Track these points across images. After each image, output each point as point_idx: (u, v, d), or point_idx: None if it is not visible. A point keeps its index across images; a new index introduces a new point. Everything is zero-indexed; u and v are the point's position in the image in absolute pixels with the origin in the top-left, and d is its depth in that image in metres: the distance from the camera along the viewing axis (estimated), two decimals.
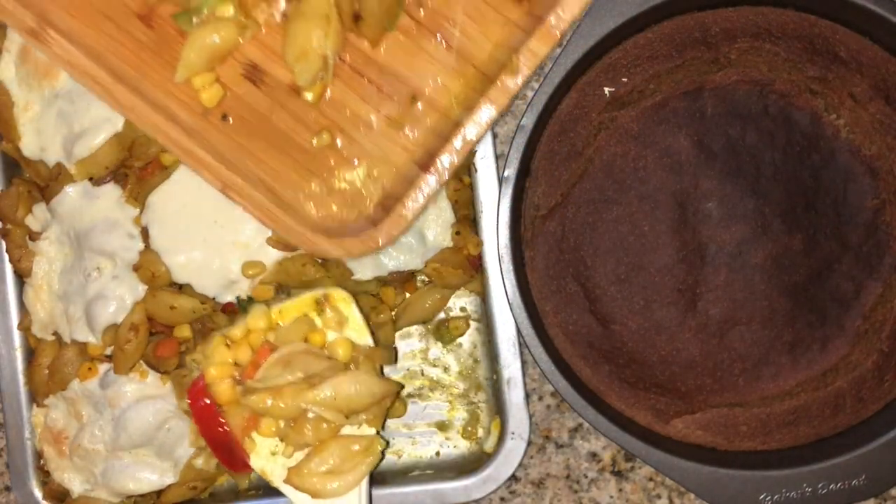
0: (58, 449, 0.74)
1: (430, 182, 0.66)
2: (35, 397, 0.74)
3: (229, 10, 0.66)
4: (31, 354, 0.75)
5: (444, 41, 0.67)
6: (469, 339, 0.77)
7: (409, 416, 0.77)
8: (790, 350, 0.69)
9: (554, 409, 0.75)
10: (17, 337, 0.75)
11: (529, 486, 0.76)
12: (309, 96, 0.68)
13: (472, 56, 0.67)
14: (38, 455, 0.75)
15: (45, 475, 0.75)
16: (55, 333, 0.74)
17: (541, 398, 0.75)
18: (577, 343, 0.70)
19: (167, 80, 0.68)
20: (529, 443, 0.73)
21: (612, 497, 0.75)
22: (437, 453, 0.77)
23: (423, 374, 0.77)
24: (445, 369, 0.77)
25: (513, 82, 0.65)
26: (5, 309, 0.75)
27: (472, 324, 0.77)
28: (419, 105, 0.68)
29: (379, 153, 0.69)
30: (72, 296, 0.72)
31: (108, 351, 0.72)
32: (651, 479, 0.75)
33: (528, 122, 0.67)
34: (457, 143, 0.65)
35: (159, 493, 0.74)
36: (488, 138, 0.71)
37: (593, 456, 0.76)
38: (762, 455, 0.70)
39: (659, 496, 0.75)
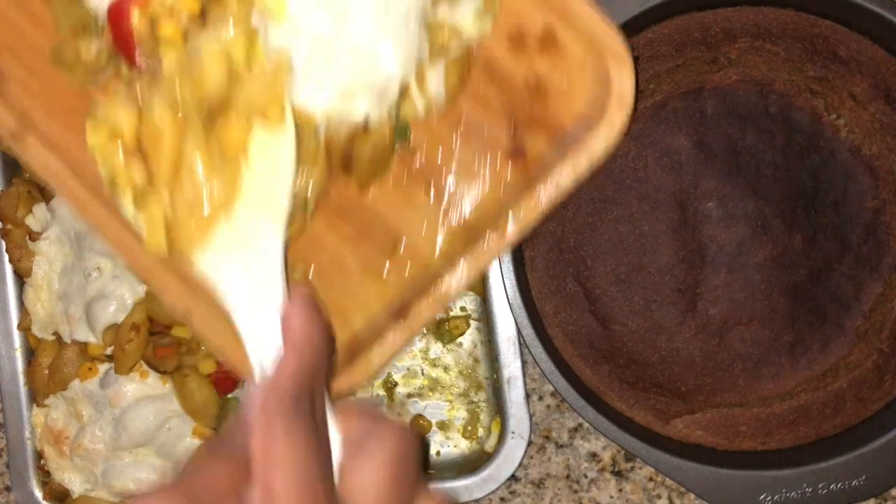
0: (58, 449, 0.74)
1: (401, 332, 0.61)
2: (35, 397, 0.75)
3: None
4: (31, 354, 0.75)
5: (434, 193, 0.63)
6: (469, 338, 0.77)
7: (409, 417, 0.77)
8: (790, 350, 0.69)
9: (554, 409, 0.75)
10: (17, 337, 0.75)
11: (529, 486, 0.76)
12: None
13: (461, 211, 0.63)
14: (39, 455, 0.75)
15: (45, 475, 0.75)
16: (55, 333, 0.74)
17: (541, 398, 0.75)
18: (577, 343, 0.70)
19: None
20: (529, 443, 0.73)
21: (612, 497, 0.75)
22: (438, 453, 0.77)
23: (423, 374, 0.77)
24: (445, 369, 0.77)
25: (497, 244, 0.61)
26: (5, 309, 0.75)
27: (472, 323, 0.77)
28: (401, 251, 0.64)
29: (351, 295, 0.64)
30: (72, 296, 0.72)
31: (109, 351, 0.72)
32: (651, 480, 0.75)
33: None
34: (435, 295, 0.61)
35: None
36: None
37: (593, 456, 0.76)
38: (762, 455, 0.70)
39: (659, 496, 0.75)
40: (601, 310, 0.69)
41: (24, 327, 0.75)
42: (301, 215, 0.62)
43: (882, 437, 0.67)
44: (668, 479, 0.74)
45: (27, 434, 0.75)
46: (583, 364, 0.70)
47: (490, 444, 0.74)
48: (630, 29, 0.68)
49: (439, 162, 0.64)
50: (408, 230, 0.64)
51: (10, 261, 0.75)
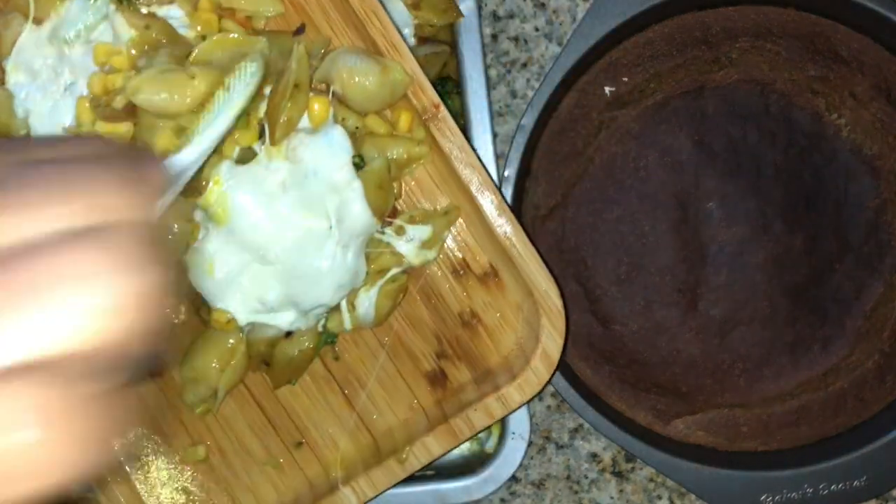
0: None
1: None
2: None
3: None
4: None
5: (349, 400, 0.66)
6: None
7: None
8: (791, 350, 0.68)
9: (554, 410, 0.75)
10: None
11: (530, 486, 0.76)
12: (197, 410, 0.65)
13: (371, 424, 0.66)
14: None
15: None
16: None
17: (541, 398, 0.75)
18: (577, 343, 0.70)
19: None
20: (530, 443, 0.73)
21: (612, 498, 0.75)
22: None
23: None
24: None
25: (399, 470, 0.63)
26: None
27: None
28: (304, 450, 0.66)
29: (249, 483, 0.67)
30: None
31: None
32: (652, 480, 0.75)
33: (528, 121, 0.67)
34: None
35: None
36: (488, 138, 0.71)
37: (594, 457, 0.75)
38: (763, 456, 0.69)
39: (660, 497, 0.75)
40: (602, 310, 0.69)
41: None
42: (211, 401, 0.64)
43: (883, 438, 0.67)
44: (668, 479, 0.74)
45: None
46: (583, 364, 0.70)
47: (490, 445, 0.74)
48: (631, 28, 0.68)
49: (361, 370, 0.66)
50: (315, 430, 0.66)
51: None
